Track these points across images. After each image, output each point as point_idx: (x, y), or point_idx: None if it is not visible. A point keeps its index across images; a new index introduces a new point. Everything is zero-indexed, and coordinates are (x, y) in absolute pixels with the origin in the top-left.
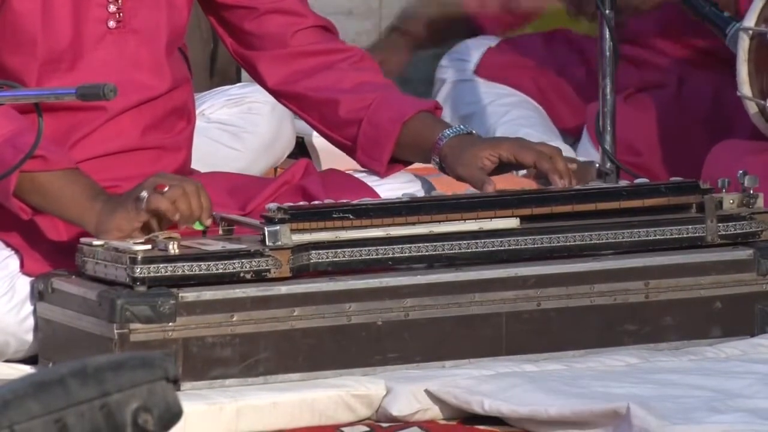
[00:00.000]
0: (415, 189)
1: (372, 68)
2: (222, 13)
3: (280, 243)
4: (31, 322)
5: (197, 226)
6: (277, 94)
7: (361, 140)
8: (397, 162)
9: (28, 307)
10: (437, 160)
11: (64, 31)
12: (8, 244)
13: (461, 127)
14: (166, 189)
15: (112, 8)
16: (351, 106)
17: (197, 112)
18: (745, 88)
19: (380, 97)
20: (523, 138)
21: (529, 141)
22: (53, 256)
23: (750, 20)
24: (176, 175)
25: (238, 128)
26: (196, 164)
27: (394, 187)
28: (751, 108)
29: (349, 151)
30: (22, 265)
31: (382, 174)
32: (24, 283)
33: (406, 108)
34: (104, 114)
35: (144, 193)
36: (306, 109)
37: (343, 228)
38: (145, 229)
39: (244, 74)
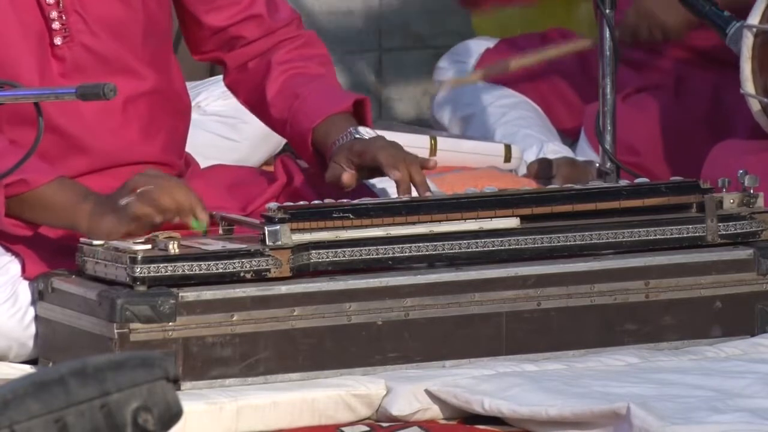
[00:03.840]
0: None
1: (308, 56)
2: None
3: (280, 243)
4: (34, 327)
5: (195, 225)
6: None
7: (293, 144)
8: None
9: (32, 313)
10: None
11: (11, 55)
12: (9, 249)
13: (355, 131)
14: (140, 190)
15: (56, 25)
16: (279, 111)
17: (193, 104)
18: (748, 85)
19: (299, 102)
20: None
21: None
22: (54, 259)
23: (754, 18)
24: (158, 172)
25: (235, 119)
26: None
27: (393, 186)
28: (754, 105)
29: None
30: (23, 270)
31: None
32: (26, 288)
33: (317, 113)
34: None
35: (124, 201)
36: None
37: (343, 228)
38: (138, 231)
39: None
